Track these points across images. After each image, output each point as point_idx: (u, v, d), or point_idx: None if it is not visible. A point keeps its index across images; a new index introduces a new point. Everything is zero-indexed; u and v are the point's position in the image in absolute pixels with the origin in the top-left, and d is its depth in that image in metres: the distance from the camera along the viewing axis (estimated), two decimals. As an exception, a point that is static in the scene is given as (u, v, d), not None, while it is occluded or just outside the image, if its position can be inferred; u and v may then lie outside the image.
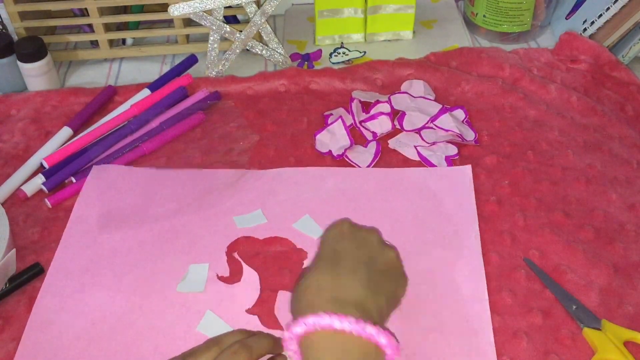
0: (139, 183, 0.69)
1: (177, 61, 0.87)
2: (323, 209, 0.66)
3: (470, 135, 0.73)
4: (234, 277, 0.60)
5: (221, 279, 0.60)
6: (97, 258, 0.62)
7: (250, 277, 0.60)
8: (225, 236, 0.63)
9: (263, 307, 0.57)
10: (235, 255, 0.62)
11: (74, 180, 0.70)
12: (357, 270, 0.49)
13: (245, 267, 0.61)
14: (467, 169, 0.69)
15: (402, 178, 0.69)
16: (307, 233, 0.63)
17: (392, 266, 0.53)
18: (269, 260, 0.61)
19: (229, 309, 0.57)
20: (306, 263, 0.61)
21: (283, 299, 0.58)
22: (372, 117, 0.75)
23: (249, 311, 0.57)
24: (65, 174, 0.70)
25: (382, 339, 0.45)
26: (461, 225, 0.63)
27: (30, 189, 0.69)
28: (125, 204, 0.67)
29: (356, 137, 0.74)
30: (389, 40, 0.91)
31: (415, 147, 0.72)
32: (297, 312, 0.48)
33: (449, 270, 0.60)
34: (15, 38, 0.84)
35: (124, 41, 0.91)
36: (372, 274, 0.50)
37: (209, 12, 0.81)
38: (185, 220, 0.65)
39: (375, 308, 0.48)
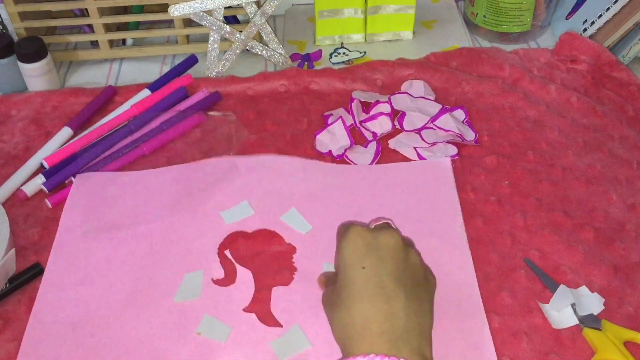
0: (124, 189, 0.69)
1: (177, 61, 0.87)
2: (309, 203, 0.66)
3: (470, 135, 0.73)
4: (228, 279, 0.60)
5: (216, 282, 0.60)
6: (90, 270, 0.61)
7: (245, 276, 0.60)
8: (215, 235, 0.63)
9: (259, 305, 0.58)
10: (229, 255, 0.62)
11: (74, 181, 0.70)
12: (396, 295, 0.47)
13: (238, 267, 0.61)
14: (447, 161, 0.70)
15: (385, 173, 0.69)
16: (294, 227, 0.64)
17: (420, 271, 0.51)
18: (262, 259, 0.62)
19: (226, 310, 0.57)
20: (295, 258, 0.61)
21: (278, 295, 0.58)
22: (372, 118, 0.75)
23: (246, 309, 0.57)
24: (65, 174, 0.70)
25: None
26: (445, 216, 0.65)
27: (30, 189, 0.69)
28: (112, 213, 0.66)
29: (356, 137, 0.74)
30: (389, 41, 0.91)
31: (414, 148, 0.72)
32: (345, 348, 0.47)
33: (438, 259, 0.60)
34: (16, 38, 0.84)
35: (124, 41, 0.91)
36: (409, 293, 0.48)
37: (209, 12, 0.81)
38: (174, 224, 0.65)
39: (421, 339, 0.46)
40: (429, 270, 0.54)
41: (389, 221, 0.56)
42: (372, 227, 0.55)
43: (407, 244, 0.52)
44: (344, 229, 0.53)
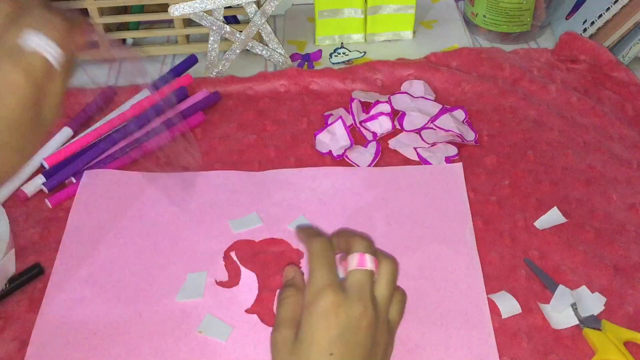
0: (132, 188, 0.69)
1: (177, 61, 0.87)
2: (318, 209, 0.66)
3: (470, 135, 0.73)
4: (232, 280, 0.60)
5: (220, 284, 0.60)
6: (96, 268, 0.61)
7: (249, 277, 0.60)
8: (222, 241, 0.63)
9: (262, 306, 0.58)
10: (233, 256, 0.62)
11: (74, 181, 0.70)
12: None
13: (243, 269, 0.61)
14: (459, 166, 0.70)
15: (396, 176, 0.69)
16: None
17: (385, 338, 0.46)
18: (266, 260, 0.61)
19: (229, 311, 0.57)
20: (303, 262, 0.61)
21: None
22: (372, 118, 0.75)
23: (248, 311, 0.57)
24: (65, 174, 0.70)
25: None
26: (455, 221, 0.64)
27: (30, 189, 0.69)
28: (121, 212, 0.66)
29: (356, 137, 0.74)
30: (389, 41, 0.91)
31: (414, 148, 0.72)
32: None
33: (446, 265, 0.60)
34: (16, 38, 0.84)
35: (124, 41, 0.91)
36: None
37: (209, 12, 0.81)
38: (181, 227, 0.65)
39: None
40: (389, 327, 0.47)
41: (360, 234, 0.48)
42: (340, 259, 0.47)
43: (377, 306, 0.46)
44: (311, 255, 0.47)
